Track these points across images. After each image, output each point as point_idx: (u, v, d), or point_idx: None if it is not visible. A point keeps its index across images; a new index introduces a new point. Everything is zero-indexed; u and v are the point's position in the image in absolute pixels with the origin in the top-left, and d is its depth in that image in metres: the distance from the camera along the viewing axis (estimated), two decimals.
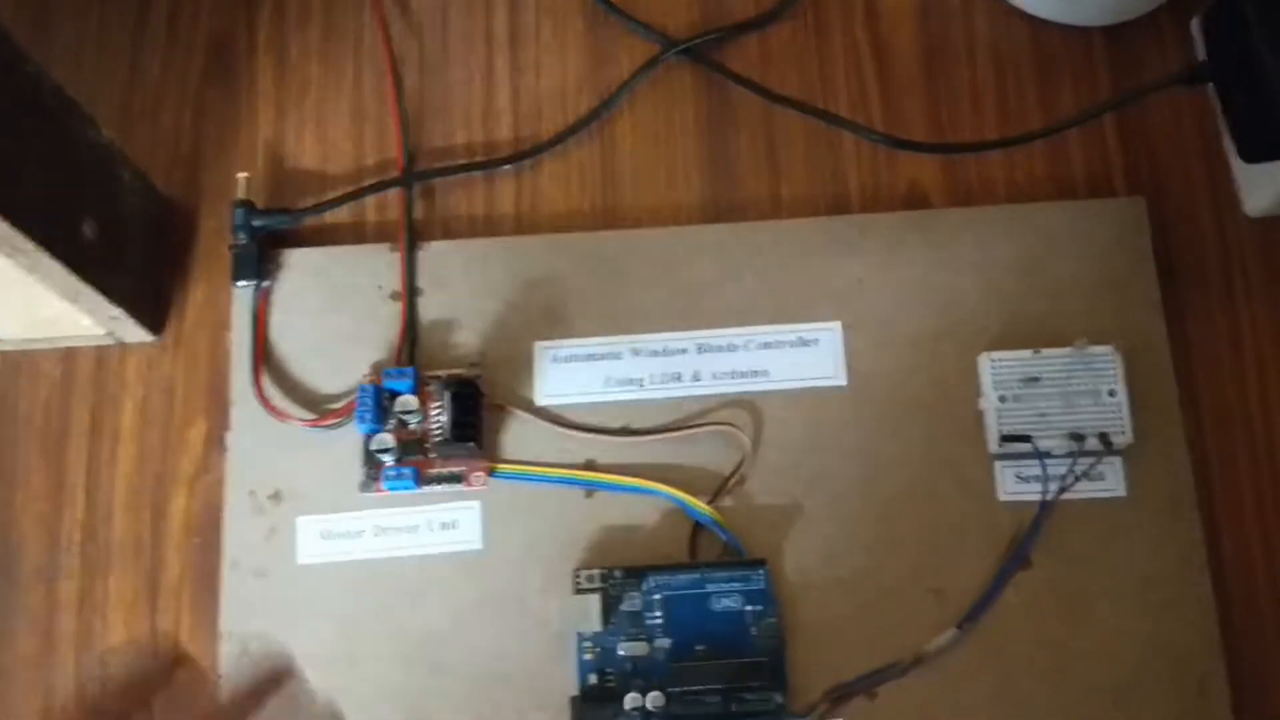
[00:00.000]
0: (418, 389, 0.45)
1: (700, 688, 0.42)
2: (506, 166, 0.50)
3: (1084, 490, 0.44)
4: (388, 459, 0.44)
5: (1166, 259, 0.47)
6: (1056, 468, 0.43)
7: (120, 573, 0.46)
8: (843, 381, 0.46)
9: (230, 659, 0.44)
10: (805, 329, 0.46)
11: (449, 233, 0.49)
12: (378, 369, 0.46)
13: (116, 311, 0.46)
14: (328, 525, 0.45)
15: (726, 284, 0.47)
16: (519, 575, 0.44)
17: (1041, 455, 0.43)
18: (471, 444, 0.43)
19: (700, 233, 0.48)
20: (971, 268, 0.47)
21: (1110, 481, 0.44)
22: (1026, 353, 0.44)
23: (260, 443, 0.46)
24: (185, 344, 0.49)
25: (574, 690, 0.42)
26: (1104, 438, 0.43)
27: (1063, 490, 0.43)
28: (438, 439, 0.44)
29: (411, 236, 0.48)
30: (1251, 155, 0.41)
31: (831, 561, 0.44)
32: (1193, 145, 0.49)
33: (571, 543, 0.44)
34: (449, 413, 0.44)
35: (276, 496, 0.45)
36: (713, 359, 0.46)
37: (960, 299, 0.46)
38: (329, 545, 0.45)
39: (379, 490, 0.45)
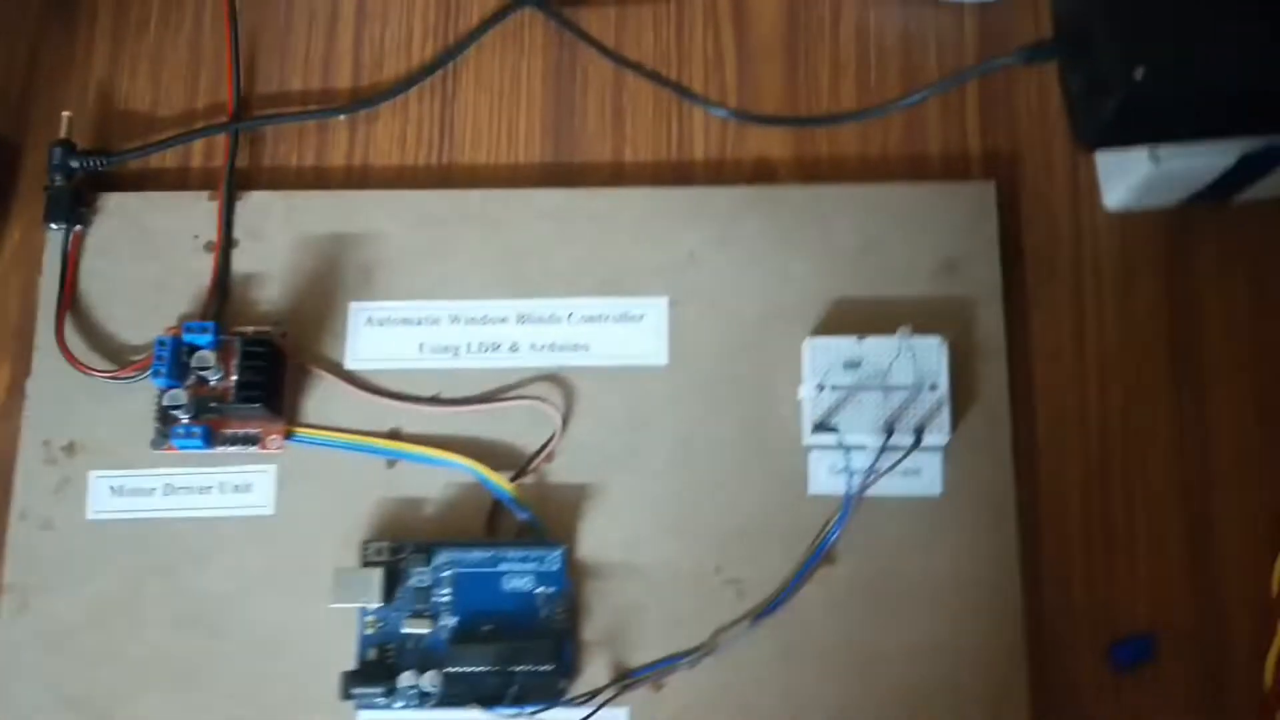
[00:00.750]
0: (220, 344, 0.43)
1: (480, 669, 0.40)
2: (340, 116, 0.48)
3: (899, 487, 0.42)
4: (181, 416, 0.43)
5: (1017, 248, 0.45)
6: (867, 461, 0.41)
7: None
8: (663, 360, 0.44)
9: (10, 611, 0.43)
10: (631, 303, 0.45)
11: (277, 184, 0.47)
12: (183, 322, 0.44)
13: None
14: (120, 481, 0.44)
15: (556, 252, 0.45)
16: (310, 544, 0.43)
17: (846, 447, 0.41)
18: (257, 406, 0.42)
19: (533, 196, 0.46)
20: (809, 248, 0.45)
21: (926, 479, 0.42)
22: (850, 339, 0.42)
23: (60, 392, 0.44)
24: None
25: (354, 665, 0.41)
26: (918, 432, 0.41)
27: (865, 486, 0.41)
28: (231, 399, 0.43)
29: (231, 185, 0.46)
30: (1085, 137, 0.39)
31: (632, 546, 0.42)
32: (1057, 131, 0.47)
33: (367, 513, 0.43)
34: (238, 373, 0.42)
35: (71, 448, 0.44)
36: (533, 330, 0.45)
37: (794, 280, 0.45)
38: (119, 501, 0.43)
39: (170, 449, 0.43)
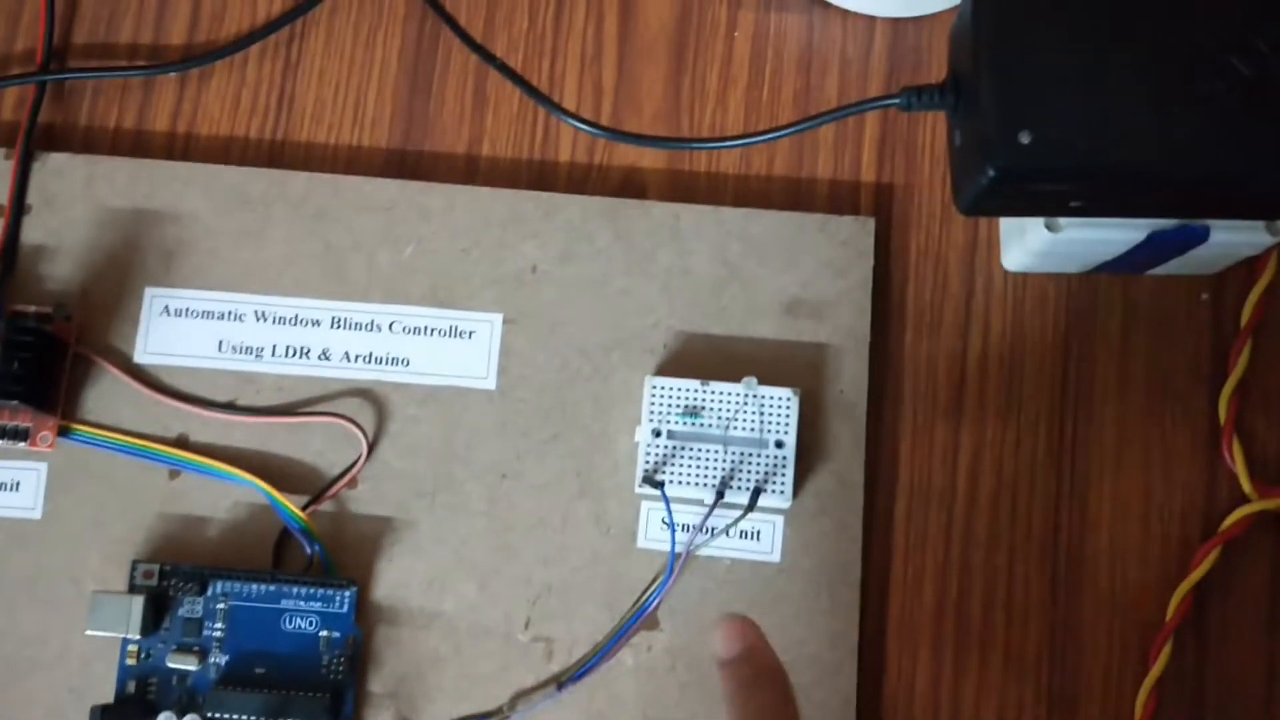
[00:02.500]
0: None
1: (247, 718, 0.37)
2: (170, 73, 0.43)
3: (734, 549, 0.39)
4: None
5: (899, 298, 0.42)
6: (700, 518, 0.38)
7: None
8: (492, 384, 0.40)
9: None
10: (461, 317, 0.41)
11: (91, 146, 0.43)
12: None
13: None
14: None
15: (383, 251, 0.41)
16: (76, 556, 0.39)
17: (670, 504, 0.38)
18: (17, 402, 0.38)
19: (366, 186, 0.42)
20: (664, 273, 0.41)
21: (765, 543, 0.39)
22: (694, 382, 0.39)
23: None
24: None
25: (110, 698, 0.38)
26: (755, 493, 0.38)
27: (693, 548, 0.38)
28: None
29: (29, 144, 0.42)
30: (961, 201, 0.35)
31: (435, 591, 0.39)
32: None
33: (142, 527, 0.39)
34: (2, 361, 0.38)
35: None
36: (348, 337, 0.40)
37: (643, 308, 0.41)
38: None
39: None
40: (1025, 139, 0.33)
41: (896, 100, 0.36)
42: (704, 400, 0.38)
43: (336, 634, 0.38)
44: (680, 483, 0.38)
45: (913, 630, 0.39)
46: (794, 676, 0.38)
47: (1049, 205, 0.35)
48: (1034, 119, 0.33)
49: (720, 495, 0.37)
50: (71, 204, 0.41)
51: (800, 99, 0.44)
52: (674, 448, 0.38)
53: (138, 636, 0.37)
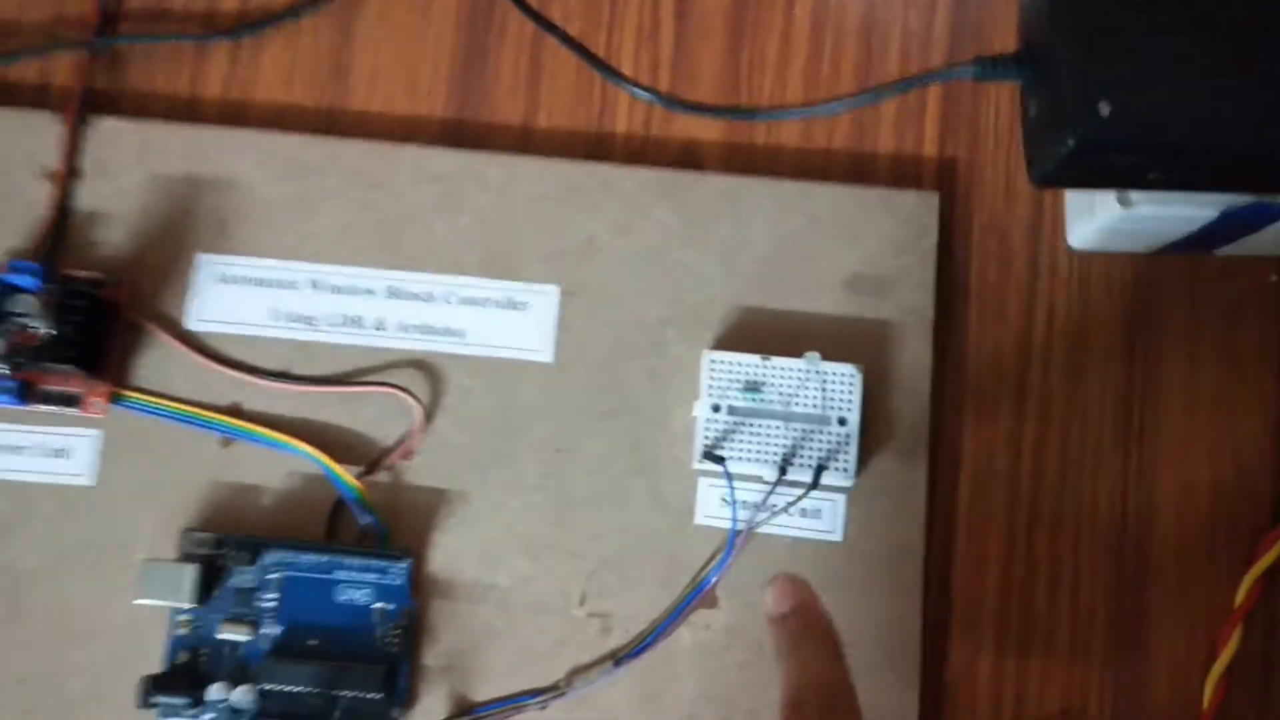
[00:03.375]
0: (45, 290, 0.39)
1: (300, 688, 0.37)
2: (222, 39, 0.43)
3: (794, 527, 0.39)
4: None
5: (963, 275, 0.41)
6: (759, 495, 0.38)
7: None
8: (548, 357, 0.40)
9: None
10: (517, 288, 0.40)
11: (142, 113, 0.43)
12: (9, 259, 0.40)
13: None
14: None
15: (439, 221, 0.41)
16: (129, 523, 0.39)
17: (732, 479, 0.38)
18: (70, 366, 0.38)
19: (422, 155, 0.41)
20: (722, 247, 0.41)
21: (826, 522, 0.39)
22: (754, 358, 0.38)
23: None
24: None
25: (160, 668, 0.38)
26: (818, 471, 0.38)
27: (756, 525, 0.38)
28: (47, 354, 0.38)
29: (83, 108, 0.42)
30: (1037, 173, 0.35)
31: (490, 565, 0.39)
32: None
33: (195, 495, 0.39)
34: (55, 325, 0.38)
35: None
36: (403, 307, 0.40)
37: (702, 282, 0.40)
38: None
39: None
40: (1105, 110, 0.32)
41: (969, 70, 0.36)
42: (765, 376, 0.38)
43: (391, 606, 0.38)
44: (740, 459, 0.38)
45: (975, 614, 0.39)
46: (855, 657, 0.38)
47: (1126, 177, 0.35)
48: (1114, 89, 0.32)
49: (783, 472, 0.37)
50: (124, 170, 0.41)
51: (860, 71, 0.44)
52: (733, 424, 0.38)
53: (189, 606, 0.37)
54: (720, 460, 0.37)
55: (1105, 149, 0.33)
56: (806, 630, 0.32)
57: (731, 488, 0.38)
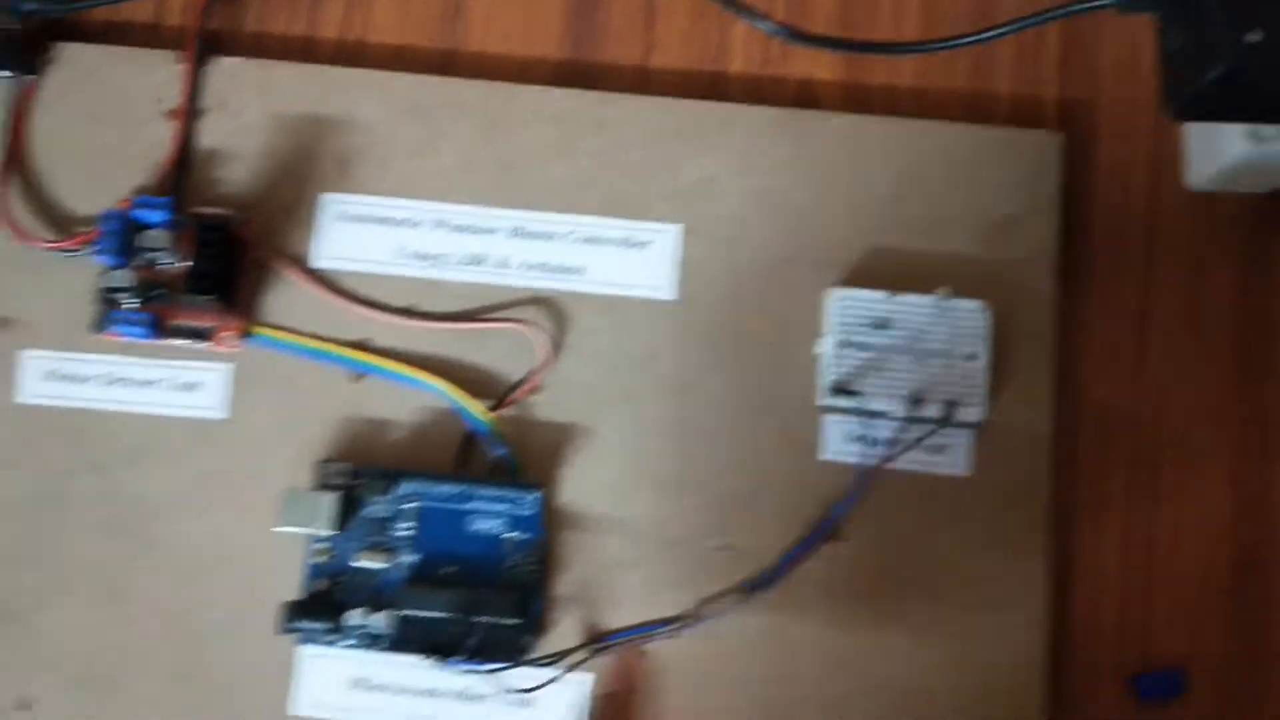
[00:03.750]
0: (175, 225, 0.40)
1: (437, 614, 0.37)
2: None
3: (921, 463, 0.39)
4: (126, 300, 0.39)
5: (1081, 214, 0.42)
6: (889, 431, 0.38)
7: None
8: (670, 295, 0.41)
9: None
10: (638, 227, 0.41)
11: (260, 51, 0.43)
12: (136, 196, 0.41)
13: None
14: (55, 364, 0.40)
15: (558, 161, 0.41)
16: (261, 455, 0.40)
17: (868, 414, 0.38)
18: (211, 298, 0.38)
19: (541, 95, 0.42)
20: (844, 186, 0.41)
21: (952, 457, 0.39)
22: (881, 294, 0.39)
23: None
24: None
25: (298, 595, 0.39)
26: (950, 406, 0.38)
27: (887, 459, 0.38)
28: (182, 287, 0.39)
29: (203, 47, 0.42)
30: (1175, 105, 0.35)
31: (617, 497, 0.39)
32: (1146, 90, 0.43)
33: (327, 428, 0.40)
34: (192, 259, 0.39)
35: (4, 323, 0.40)
36: (525, 246, 0.41)
37: (824, 220, 0.41)
38: (53, 386, 0.40)
39: (112, 335, 0.40)
40: (1254, 38, 0.32)
41: (1111, 2, 0.36)
42: (891, 312, 0.39)
43: (523, 535, 0.38)
44: (867, 395, 0.38)
45: (1097, 552, 0.40)
46: (981, 592, 0.39)
47: (1267, 110, 0.35)
48: (1264, 17, 0.32)
49: (914, 407, 0.38)
50: (245, 109, 0.42)
51: (977, 10, 0.44)
52: (861, 360, 0.39)
53: (330, 533, 0.38)
54: (855, 394, 0.38)
55: (1253, 79, 0.33)
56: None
57: (865, 422, 0.38)
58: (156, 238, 0.39)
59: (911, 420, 0.38)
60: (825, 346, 0.39)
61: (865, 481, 0.38)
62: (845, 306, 0.39)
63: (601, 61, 0.44)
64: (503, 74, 0.43)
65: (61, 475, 0.40)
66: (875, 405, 0.38)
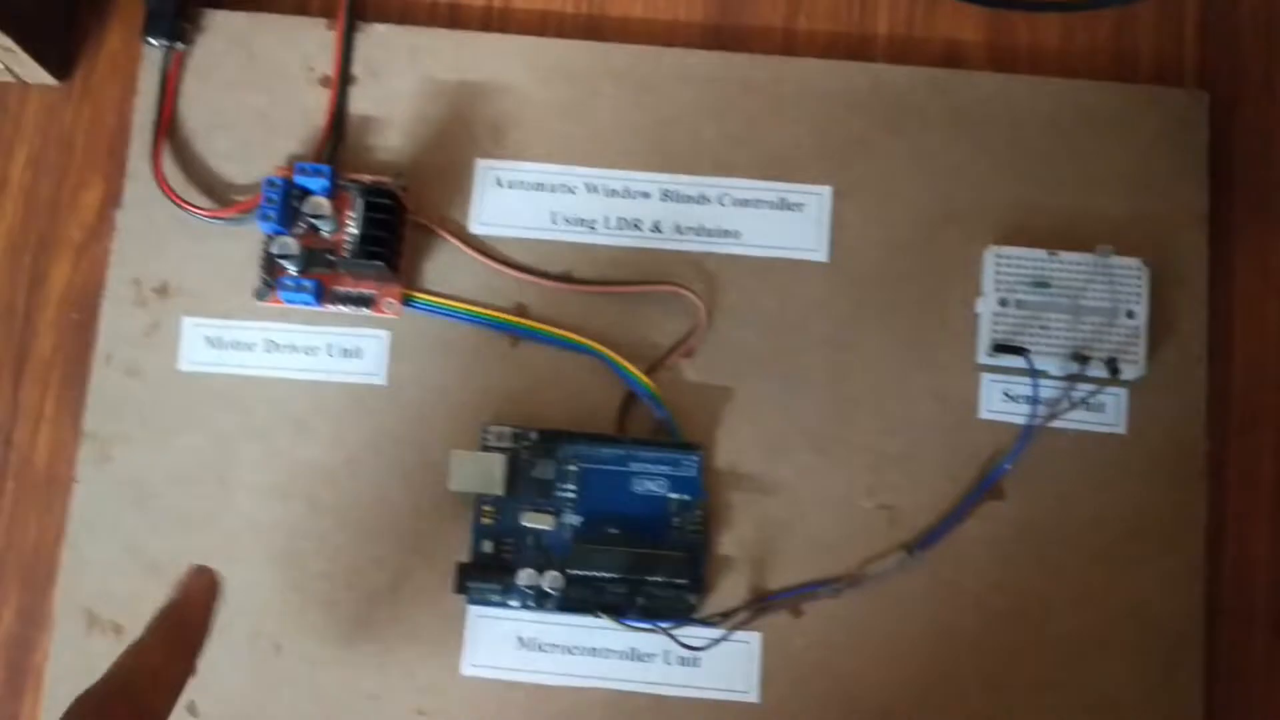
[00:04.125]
0: (333, 191, 0.40)
1: (606, 574, 0.38)
2: None
3: (1078, 420, 0.40)
4: (288, 267, 0.40)
5: (1228, 171, 0.42)
6: (1050, 390, 0.39)
7: None
8: (824, 256, 0.41)
9: (90, 460, 0.40)
10: (791, 189, 0.41)
11: (406, 18, 0.44)
12: (294, 163, 0.41)
13: (7, 42, 0.41)
14: (217, 331, 0.41)
15: (708, 124, 0.42)
16: (422, 419, 0.40)
17: (1035, 373, 0.39)
18: (380, 264, 0.39)
19: (689, 58, 0.42)
20: (996, 144, 0.41)
21: (1110, 415, 0.40)
22: (1040, 253, 0.39)
23: (153, 226, 0.42)
24: (93, 95, 0.44)
25: (464, 555, 0.39)
26: (1112, 364, 0.39)
27: (1053, 416, 0.39)
28: (348, 252, 0.40)
29: (352, 13, 0.43)
30: None
31: (775, 458, 0.40)
32: None
33: (486, 393, 0.41)
34: (359, 224, 0.39)
35: (163, 290, 0.41)
36: (678, 209, 0.42)
37: (977, 179, 0.41)
38: (215, 354, 0.41)
39: (275, 300, 0.41)
40: None
41: None
42: (1051, 270, 0.39)
43: (686, 496, 0.39)
44: (1029, 353, 0.39)
45: (1251, 505, 0.40)
46: (1141, 546, 0.39)
47: None
48: None
49: (1074, 365, 0.38)
50: (396, 75, 0.42)
51: None
52: (1021, 318, 0.39)
53: (501, 494, 0.39)
54: (1021, 351, 0.38)
55: None
56: (175, 620, 0.32)
57: (1035, 381, 0.39)
58: (319, 205, 0.40)
59: (1071, 379, 0.39)
60: (984, 305, 0.39)
61: (1027, 439, 0.39)
62: (1004, 265, 0.39)
63: (747, 25, 0.44)
64: (647, 38, 0.44)
65: (226, 441, 0.40)
66: (1039, 364, 0.39)
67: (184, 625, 0.33)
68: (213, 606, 0.34)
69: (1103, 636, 0.39)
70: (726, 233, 0.42)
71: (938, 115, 0.42)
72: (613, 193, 0.42)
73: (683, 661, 0.39)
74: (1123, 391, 0.40)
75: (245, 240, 0.41)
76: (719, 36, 0.44)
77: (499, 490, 0.39)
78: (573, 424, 0.40)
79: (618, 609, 0.38)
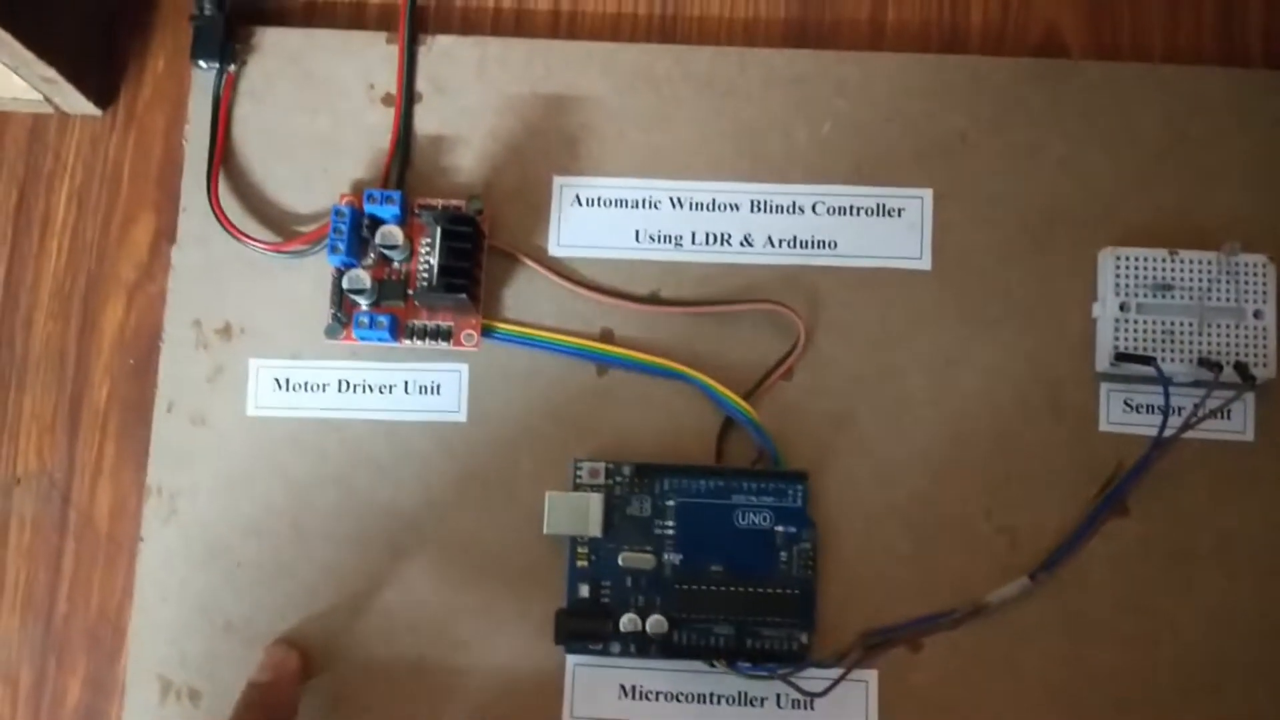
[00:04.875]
0: (405, 219, 0.39)
1: (711, 616, 0.37)
2: None
3: (1202, 429, 0.38)
4: (362, 301, 0.39)
5: None
6: (1177, 399, 0.37)
7: (38, 388, 0.41)
8: (926, 264, 0.39)
9: (156, 518, 0.39)
10: (889, 194, 0.40)
11: (469, 28, 0.42)
12: (359, 189, 0.40)
13: (50, 72, 0.39)
14: (286, 373, 0.39)
15: (799, 127, 0.40)
16: (507, 458, 0.39)
17: (1166, 381, 0.37)
18: (462, 295, 0.37)
19: (774, 58, 0.40)
20: (1105, 138, 0.40)
21: (1236, 422, 0.38)
22: (1161, 253, 0.38)
23: (211, 263, 0.40)
24: (138, 123, 0.42)
25: (561, 600, 0.38)
26: (1241, 368, 0.37)
27: (1186, 427, 0.37)
28: (423, 284, 0.38)
29: (413, 25, 0.41)
30: None
31: (886, 483, 0.38)
32: None
33: (574, 426, 0.39)
34: (437, 254, 0.37)
35: (226, 331, 0.40)
36: (770, 221, 0.40)
37: (1086, 176, 0.39)
38: (285, 397, 0.39)
39: (348, 338, 0.39)
40: None
41: None
42: (1173, 270, 0.37)
43: (793, 529, 0.38)
44: (1155, 360, 0.37)
45: None
46: (1270, 563, 0.37)
47: None
48: None
49: (1214, 372, 0.36)
50: (464, 89, 0.41)
51: None
52: (1143, 323, 0.37)
53: (599, 535, 0.37)
54: (1148, 360, 0.37)
55: None
56: (263, 704, 0.35)
57: (1167, 390, 0.37)
58: (391, 234, 0.38)
59: (1200, 385, 0.37)
60: (1104, 310, 0.38)
61: (1156, 451, 0.37)
62: (1123, 267, 0.38)
63: (831, 19, 0.42)
64: (726, 38, 0.42)
65: (301, 488, 0.39)
66: (1166, 370, 0.37)
67: (275, 708, 0.33)
68: (299, 687, 0.34)
69: (1235, 656, 0.37)
70: (822, 243, 0.40)
71: (1041, 108, 0.40)
72: (699, 206, 0.40)
73: (795, 705, 0.38)
74: (1249, 396, 0.38)
75: (311, 274, 0.40)
76: (802, 33, 0.42)
77: (597, 532, 0.37)
78: (667, 456, 0.39)
79: (731, 654, 0.37)
